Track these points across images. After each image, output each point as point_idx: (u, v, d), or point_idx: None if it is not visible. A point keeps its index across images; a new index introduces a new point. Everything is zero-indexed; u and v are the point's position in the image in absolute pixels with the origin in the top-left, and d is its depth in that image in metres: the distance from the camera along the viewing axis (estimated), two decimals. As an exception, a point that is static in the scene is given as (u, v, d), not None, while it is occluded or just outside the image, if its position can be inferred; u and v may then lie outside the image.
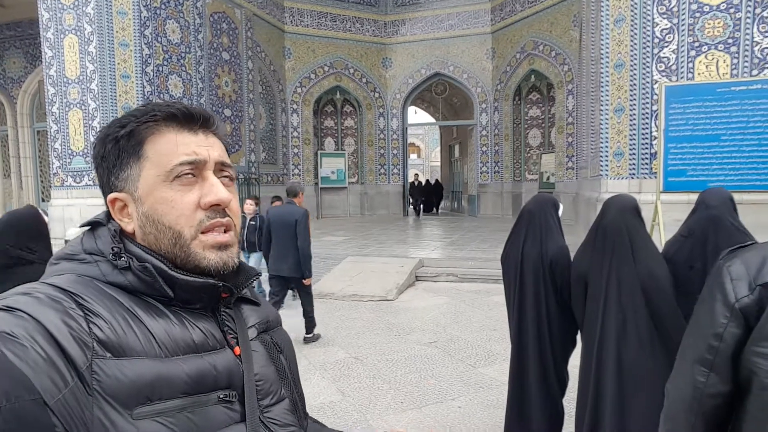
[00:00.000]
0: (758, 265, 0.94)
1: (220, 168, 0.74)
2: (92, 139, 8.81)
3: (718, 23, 6.04)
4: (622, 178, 6.75)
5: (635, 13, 6.35)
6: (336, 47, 15.14)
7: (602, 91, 6.93)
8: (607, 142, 6.93)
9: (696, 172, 5.30)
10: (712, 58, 6.03)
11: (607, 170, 6.96)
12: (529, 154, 14.93)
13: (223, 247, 0.71)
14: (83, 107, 9.01)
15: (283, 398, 0.75)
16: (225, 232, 0.72)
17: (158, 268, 0.67)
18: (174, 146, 0.70)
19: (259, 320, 0.80)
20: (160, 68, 9.65)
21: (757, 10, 5.93)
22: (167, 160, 0.69)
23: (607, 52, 6.77)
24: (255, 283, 0.87)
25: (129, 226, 0.71)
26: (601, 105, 6.99)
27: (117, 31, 8.87)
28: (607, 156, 6.95)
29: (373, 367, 4.14)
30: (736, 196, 4.84)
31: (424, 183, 20.89)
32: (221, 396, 0.65)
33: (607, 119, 6.89)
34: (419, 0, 15.63)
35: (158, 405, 0.59)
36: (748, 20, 5.96)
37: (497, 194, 15.28)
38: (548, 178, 13.78)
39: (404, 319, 5.58)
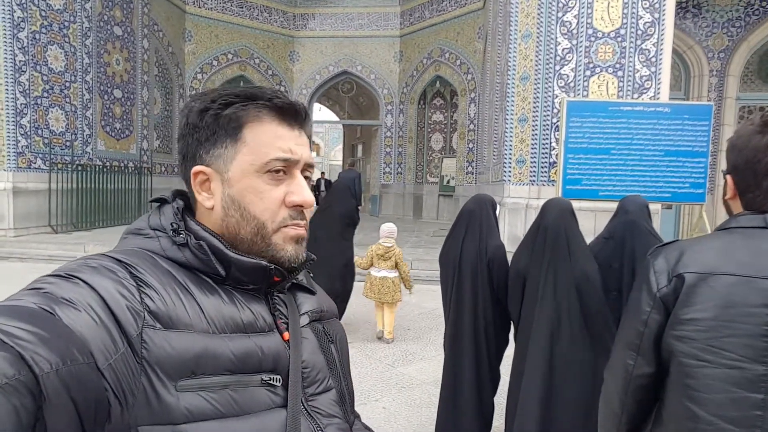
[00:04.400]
0: (676, 258, 1.07)
1: (306, 168, 0.75)
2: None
3: (609, 49, 6.70)
4: (523, 184, 7.21)
5: (540, 31, 6.83)
6: (241, 35, 14.45)
7: (508, 101, 7.36)
8: (510, 149, 7.36)
9: (590, 181, 5.84)
10: (603, 80, 6.68)
11: (510, 176, 7.40)
12: (431, 158, 15.47)
13: (300, 239, 0.74)
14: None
15: (329, 388, 0.76)
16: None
17: (213, 246, 0.68)
18: (273, 139, 0.71)
19: (312, 308, 0.80)
20: (37, 36, 8.50)
21: (638, 42, 6.68)
22: (265, 152, 0.70)
23: (514, 65, 7.20)
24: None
25: (208, 201, 0.72)
26: (506, 114, 7.42)
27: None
28: (510, 162, 7.39)
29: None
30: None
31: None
32: (264, 378, 0.66)
33: (511, 128, 7.33)
34: (330, -4, 15.49)
35: (202, 379, 0.60)
36: (632, 50, 6.69)
37: (399, 195, 15.63)
38: (448, 182, 14.40)
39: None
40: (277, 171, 0.71)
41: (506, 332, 2.58)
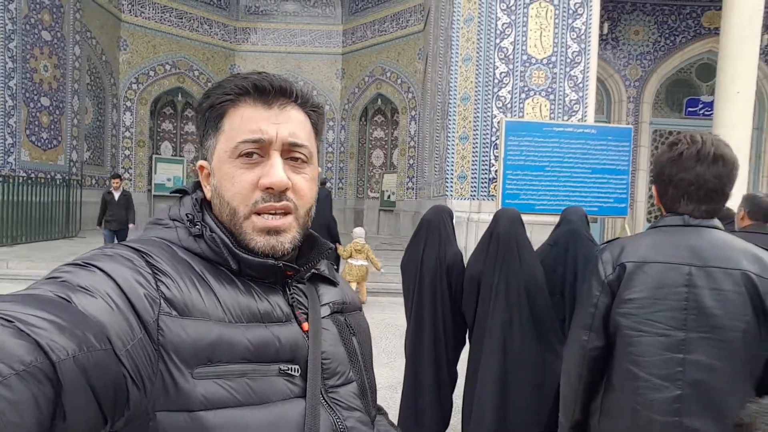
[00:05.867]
0: (618, 252, 1.36)
1: (290, 148, 0.71)
2: None
3: (541, 74, 7.24)
4: (465, 199, 7.56)
5: (480, 55, 7.26)
6: (180, 46, 14.12)
7: (450, 120, 7.73)
8: (452, 165, 7.71)
9: (527, 196, 6.24)
10: (537, 102, 7.19)
11: (452, 191, 7.73)
12: (372, 173, 15.71)
13: (273, 231, 0.69)
14: None
15: (350, 381, 0.74)
16: (285, 214, 0.70)
17: (223, 241, 0.68)
18: (243, 121, 0.69)
19: (334, 299, 0.79)
20: (-46, 38, 7.93)
21: (568, 69, 7.28)
22: (233, 136, 0.69)
23: (455, 86, 7.59)
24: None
25: (209, 194, 0.74)
26: (448, 132, 7.77)
27: None
28: (452, 178, 7.73)
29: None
30: (552, 219, 5.79)
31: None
32: (282, 368, 0.65)
33: (453, 145, 7.69)
34: (272, 11, 15.49)
35: (218, 367, 0.60)
36: (562, 76, 7.27)
37: (340, 210, 15.69)
38: (389, 197, 14.68)
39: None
40: (250, 154, 0.69)
41: (463, 334, 2.76)
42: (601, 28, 8.13)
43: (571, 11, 7.15)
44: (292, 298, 0.73)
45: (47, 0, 9.88)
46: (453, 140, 7.70)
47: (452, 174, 7.71)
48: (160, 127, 14.88)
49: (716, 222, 1.31)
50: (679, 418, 1.22)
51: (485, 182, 7.40)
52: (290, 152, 0.71)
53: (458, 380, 2.82)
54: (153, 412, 0.56)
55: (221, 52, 14.96)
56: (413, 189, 13.38)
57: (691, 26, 10.05)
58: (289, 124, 0.71)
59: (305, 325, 0.71)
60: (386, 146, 15.54)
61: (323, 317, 0.75)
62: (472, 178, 7.52)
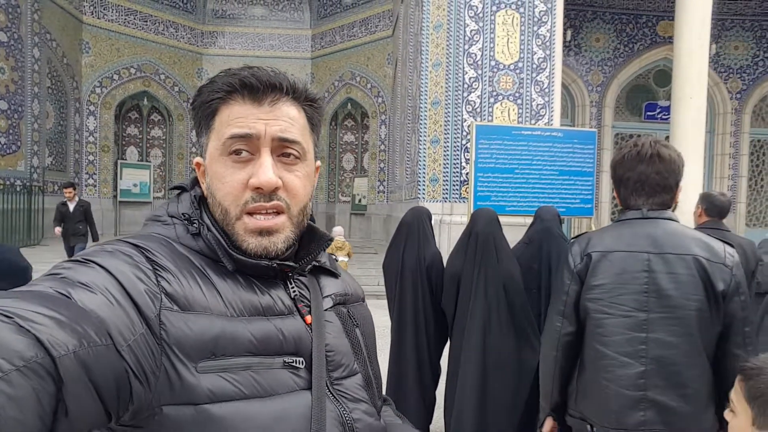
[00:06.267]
0: (585, 244, 1.52)
1: (281, 144, 0.69)
2: None
3: (509, 79, 7.47)
4: (437, 201, 7.70)
5: (449, 61, 7.44)
6: (145, 50, 13.82)
7: (420, 124, 7.87)
8: (424, 168, 7.85)
9: (498, 197, 6.42)
10: (506, 107, 7.41)
11: (424, 194, 7.87)
12: (342, 177, 15.74)
13: (265, 232, 0.69)
14: None
15: (355, 372, 0.74)
16: (277, 214, 0.70)
17: (219, 242, 0.68)
18: (232, 118, 0.68)
19: (336, 291, 0.79)
20: None
21: (534, 74, 7.53)
22: (223, 133, 0.68)
23: (425, 91, 7.74)
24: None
25: (206, 191, 0.73)
26: (420, 136, 7.91)
27: None
28: (424, 181, 7.87)
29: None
30: (521, 219, 5.98)
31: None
32: (287, 361, 0.65)
33: (424, 148, 7.83)
34: (239, 15, 15.36)
35: (222, 361, 0.60)
36: (528, 81, 7.52)
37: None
38: (360, 201, 14.74)
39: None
40: (239, 152, 0.68)
41: (444, 330, 2.86)
42: (564, 35, 8.45)
43: (536, 19, 7.41)
44: (294, 291, 0.73)
45: (2, 0, 9.55)
46: (424, 144, 7.84)
47: (424, 177, 7.85)
48: (126, 131, 14.51)
49: (671, 214, 1.48)
50: (645, 392, 1.35)
51: (457, 185, 7.56)
52: (282, 149, 0.70)
53: (440, 376, 2.92)
54: (159, 406, 0.56)
55: (188, 55, 14.72)
56: (384, 192, 13.49)
57: (648, 34, 10.53)
58: (279, 120, 0.69)
59: (308, 318, 0.71)
60: (357, 150, 15.59)
61: (326, 309, 0.75)
62: (444, 180, 7.68)
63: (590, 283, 1.46)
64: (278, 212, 0.70)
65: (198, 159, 0.75)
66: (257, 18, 15.34)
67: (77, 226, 7.23)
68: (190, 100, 0.73)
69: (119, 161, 13.91)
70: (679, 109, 7.00)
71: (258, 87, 0.68)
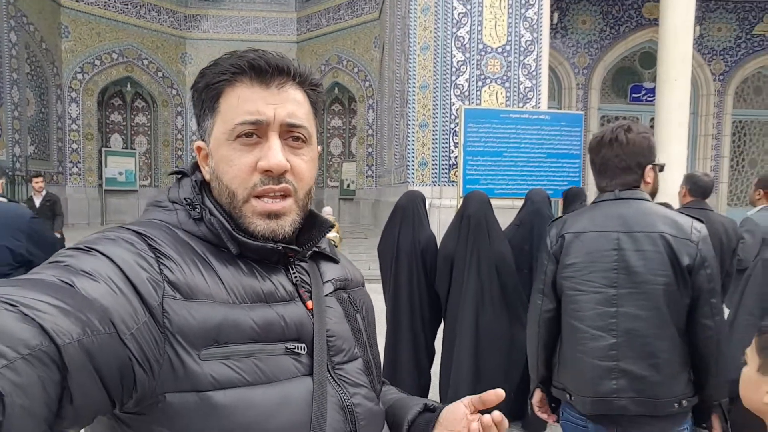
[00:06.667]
0: (561, 225, 1.62)
1: (288, 128, 0.70)
2: None
3: (497, 62, 7.49)
4: (426, 185, 7.75)
5: (437, 44, 7.42)
6: (127, 34, 13.54)
7: (409, 108, 7.88)
8: (413, 153, 7.88)
9: (487, 181, 6.48)
10: (493, 90, 7.44)
11: (413, 178, 7.91)
12: (330, 162, 15.69)
13: (273, 215, 0.69)
14: None
15: (355, 357, 0.75)
16: (285, 197, 0.70)
17: (223, 225, 0.68)
18: (240, 102, 0.68)
19: (336, 276, 0.79)
20: None
21: (521, 57, 7.56)
22: (231, 117, 0.68)
23: (414, 74, 7.73)
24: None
25: (207, 175, 0.73)
26: (408, 120, 7.92)
27: None
28: (413, 165, 7.90)
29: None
30: (510, 202, 6.04)
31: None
32: (289, 347, 0.66)
33: (413, 133, 7.85)
34: (223, -2, 15.10)
35: (225, 348, 0.60)
36: (516, 64, 7.55)
37: (301, 200, 15.64)
38: (348, 185, 14.73)
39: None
40: (249, 135, 0.68)
41: (438, 311, 2.93)
42: (551, 17, 8.45)
43: (523, 1, 7.41)
44: (295, 277, 0.73)
45: (-22, -16, 9.27)
46: (413, 128, 7.85)
47: (413, 161, 7.88)
48: (109, 118, 14.27)
49: (642, 194, 1.55)
50: (616, 362, 1.45)
51: (446, 168, 7.61)
52: (289, 133, 0.70)
53: (435, 356, 3.00)
54: (162, 394, 0.57)
55: (171, 40, 14.46)
56: (373, 177, 13.51)
57: (633, 16, 10.58)
58: (287, 104, 0.69)
59: (309, 304, 0.72)
60: (344, 135, 15.53)
61: (326, 295, 0.75)
62: (432, 164, 7.72)
63: (564, 262, 1.56)
64: (286, 195, 0.70)
65: (199, 143, 0.74)
66: (241, 0, 15.08)
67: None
68: (194, 84, 0.71)
69: (103, 149, 13.71)
70: (663, 91, 7.09)
71: (266, 70, 0.68)
